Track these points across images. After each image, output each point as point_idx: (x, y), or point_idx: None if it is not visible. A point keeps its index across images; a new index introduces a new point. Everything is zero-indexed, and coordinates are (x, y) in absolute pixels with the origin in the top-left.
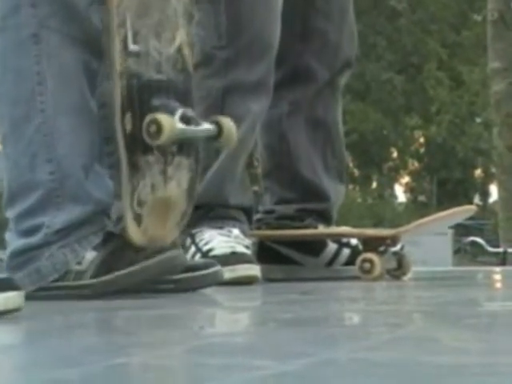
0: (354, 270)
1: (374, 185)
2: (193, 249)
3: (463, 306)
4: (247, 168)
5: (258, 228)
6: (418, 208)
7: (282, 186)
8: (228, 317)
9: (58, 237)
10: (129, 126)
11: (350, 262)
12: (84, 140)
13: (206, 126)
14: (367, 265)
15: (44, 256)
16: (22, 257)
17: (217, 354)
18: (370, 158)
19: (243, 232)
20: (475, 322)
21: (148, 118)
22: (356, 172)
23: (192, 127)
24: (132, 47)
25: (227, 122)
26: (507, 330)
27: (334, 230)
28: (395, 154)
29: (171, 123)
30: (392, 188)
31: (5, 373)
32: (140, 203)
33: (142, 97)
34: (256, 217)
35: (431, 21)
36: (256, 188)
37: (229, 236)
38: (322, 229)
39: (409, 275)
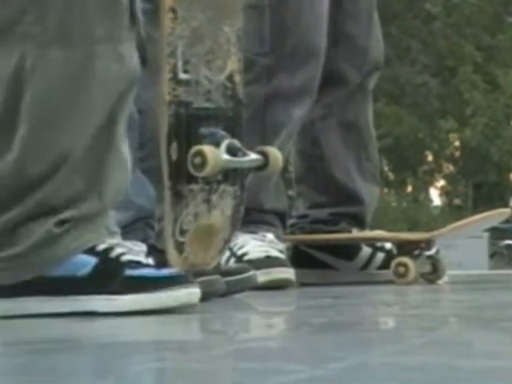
0: (388, 274)
1: (409, 188)
2: (227, 253)
3: (498, 310)
4: (282, 173)
5: (292, 233)
6: (453, 211)
7: (316, 190)
8: (262, 321)
9: None
10: (174, 156)
11: (385, 265)
12: None
13: (252, 157)
14: (401, 269)
15: None
16: None
17: (251, 359)
18: (404, 162)
19: (277, 236)
20: (510, 325)
21: (193, 150)
22: (391, 176)
23: (237, 159)
24: (182, 76)
25: (273, 153)
26: None
27: (368, 233)
28: (430, 158)
29: (216, 155)
30: (427, 192)
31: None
32: (182, 232)
33: (190, 125)
34: (290, 221)
35: (466, 24)
36: (290, 193)
37: (263, 240)
38: (355, 233)
39: (444, 279)
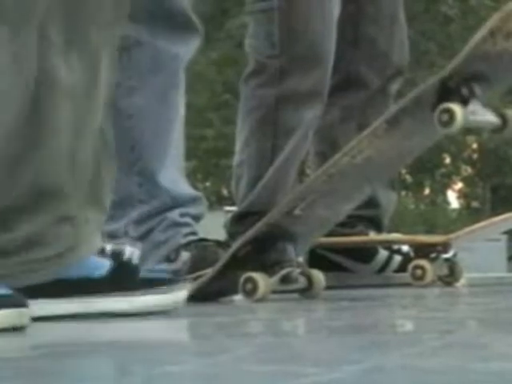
0: (405, 276)
1: (427, 191)
2: None
3: None
4: (299, 175)
5: None
6: (471, 214)
7: None
8: (279, 324)
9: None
10: None
11: (402, 268)
12: (162, 143)
13: (491, 118)
14: (419, 271)
15: None
16: None
17: (267, 361)
18: (422, 165)
19: None
20: None
21: (441, 107)
22: (408, 178)
23: (479, 118)
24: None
25: None
26: None
27: (385, 236)
28: (448, 160)
29: (463, 113)
30: (445, 194)
31: None
32: None
33: None
34: None
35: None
36: None
37: None
38: (372, 236)
39: (461, 282)
